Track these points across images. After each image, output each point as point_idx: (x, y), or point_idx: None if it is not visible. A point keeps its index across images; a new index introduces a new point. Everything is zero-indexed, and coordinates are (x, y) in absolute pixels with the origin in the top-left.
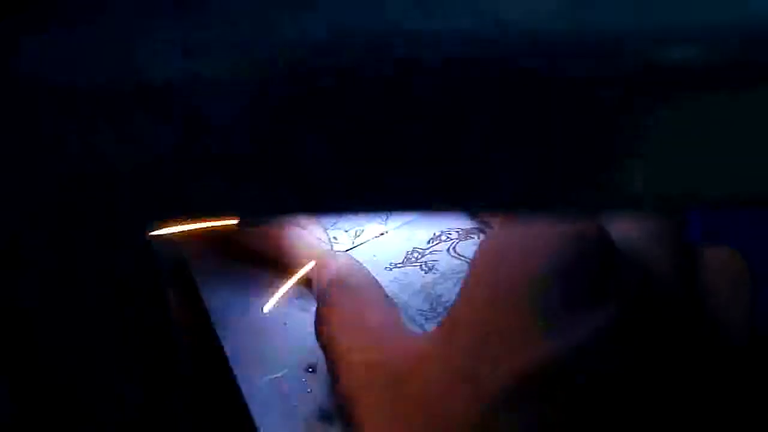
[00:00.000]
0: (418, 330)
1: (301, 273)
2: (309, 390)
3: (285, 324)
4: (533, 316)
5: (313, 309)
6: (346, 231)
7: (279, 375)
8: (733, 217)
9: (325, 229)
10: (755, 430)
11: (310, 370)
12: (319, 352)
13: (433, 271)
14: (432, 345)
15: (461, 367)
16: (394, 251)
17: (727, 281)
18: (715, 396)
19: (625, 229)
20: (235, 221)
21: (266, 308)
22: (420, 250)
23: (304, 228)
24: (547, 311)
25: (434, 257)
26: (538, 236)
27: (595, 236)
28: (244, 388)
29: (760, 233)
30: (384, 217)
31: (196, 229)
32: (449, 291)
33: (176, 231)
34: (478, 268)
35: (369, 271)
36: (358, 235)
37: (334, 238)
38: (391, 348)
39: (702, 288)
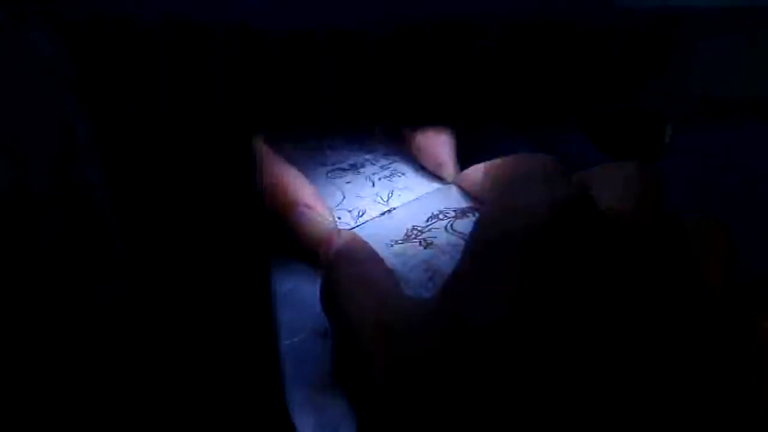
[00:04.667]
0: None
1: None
2: (322, 354)
3: (296, 294)
4: (518, 274)
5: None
6: (350, 211)
7: (295, 339)
8: (715, 187)
9: (330, 209)
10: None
11: (323, 335)
12: None
13: (431, 246)
14: (434, 303)
15: (458, 318)
16: (394, 229)
17: (708, 250)
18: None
19: (609, 198)
20: None
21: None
22: (419, 228)
23: (310, 208)
24: (530, 270)
25: (433, 234)
26: (526, 204)
27: (581, 208)
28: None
29: (742, 202)
30: (385, 198)
31: None
32: (447, 264)
33: None
34: (475, 237)
35: (370, 246)
36: (361, 215)
37: (339, 217)
38: (395, 309)
39: (683, 256)
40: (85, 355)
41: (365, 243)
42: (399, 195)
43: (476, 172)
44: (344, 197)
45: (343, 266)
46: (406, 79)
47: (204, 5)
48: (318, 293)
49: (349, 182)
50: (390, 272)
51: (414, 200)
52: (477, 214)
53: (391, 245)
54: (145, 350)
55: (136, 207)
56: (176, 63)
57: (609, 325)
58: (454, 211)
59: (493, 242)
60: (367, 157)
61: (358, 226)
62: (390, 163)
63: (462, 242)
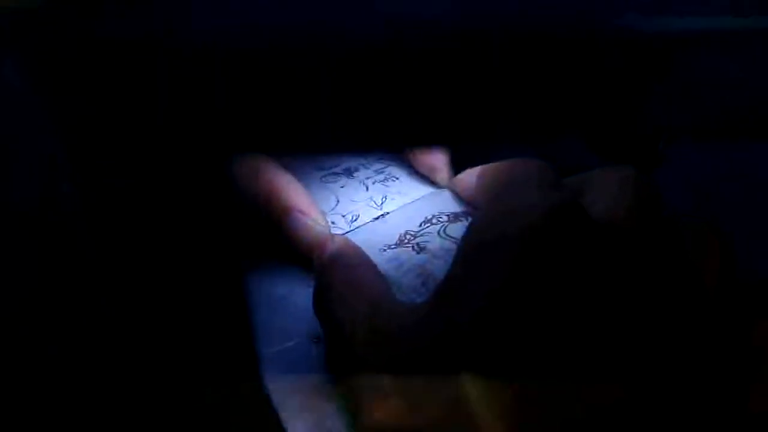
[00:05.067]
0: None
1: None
2: (316, 359)
3: (290, 299)
4: (509, 277)
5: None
6: (344, 215)
7: (289, 344)
8: (713, 191)
9: (324, 214)
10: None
11: (316, 340)
12: None
13: (424, 251)
14: (427, 306)
15: (449, 321)
16: (388, 234)
17: (703, 254)
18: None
19: (603, 203)
20: None
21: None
22: (412, 233)
23: (305, 213)
24: (520, 273)
25: (426, 239)
26: (518, 209)
27: (573, 214)
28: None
29: (740, 205)
30: (379, 202)
31: None
32: (440, 269)
33: None
34: (468, 242)
35: (363, 251)
36: (355, 220)
37: (332, 222)
38: (386, 313)
39: (680, 261)
40: (66, 361)
41: (358, 248)
42: (392, 199)
43: (469, 176)
44: (338, 202)
45: (336, 271)
46: (406, 97)
47: (177, 25)
48: (311, 298)
49: (343, 186)
50: (383, 277)
51: (407, 205)
52: (470, 219)
53: (384, 250)
54: (124, 357)
55: (111, 219)
56: (147, 83)
57: (602, 328)
58: (447, 215)
59: (485, 246)
60: (361, 161)
61: (351, 230)
62: (384, 168)
63: (455, 247)
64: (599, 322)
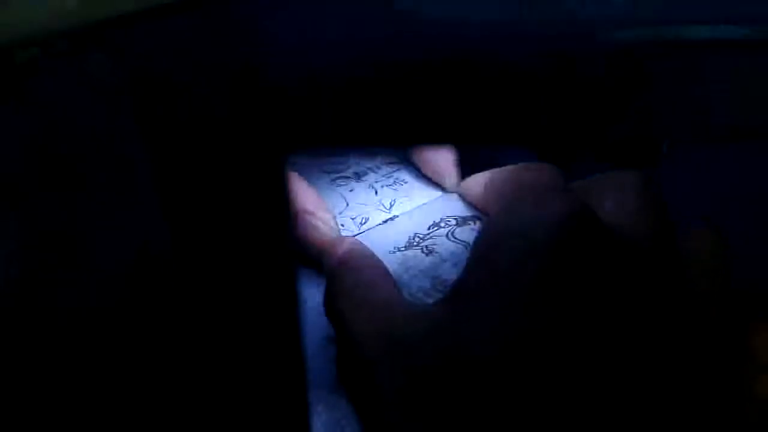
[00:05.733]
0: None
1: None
2: (328, 360)
3: (303, 301)
4: (525, 288)
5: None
6: (353, 218)
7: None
8: (714, 197)
9: (334, 217)
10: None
11: (329, 341)
12: None
13: (433, 254)
14: (440, 312)
15: (465, 330)
16: (397, 237)
17: (707, 261)
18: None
19: (608, 208)
20: None
21: None
22: (421, 236)
23: (315, 216)
24: (537, 283)
25: (434, 242)
26: (530, 217)
27: (582, 216)
28: None
29: (741, 211)
30: (388, 206)
31: None
32: (448, 271)
33: None
34: (478, 245)
35: (374, 253)
36: (364, 223)
37: (342, 224)
38: (399, 317)
39: (682, 266)
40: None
41: (368, 250)
42: (401, 203)
43: (477, 181)
44: (347, 205)
45: (346, 273)
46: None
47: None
48: (322, 300)
49: (352, 190)
50: (392, 279)
51: (416, 208)
52: (478, 223)
53: (394, 252)
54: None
55: (184, 215)
56: (225, 94)
57: (613, 335)
58: (456, 219)
59: (500, 255)
60: (370, 165)
61: (360, 233)
62: (393, 172)
63: (463, 250)
64: (618, 324)
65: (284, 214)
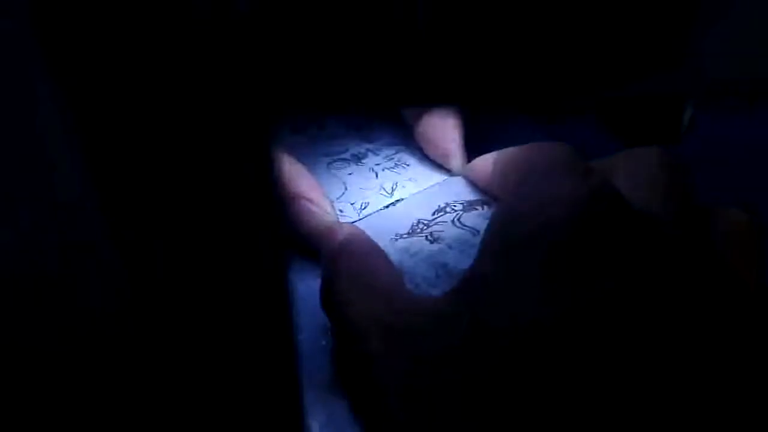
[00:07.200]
0: (423, 295)
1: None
2: (326, 353)
3: (298, 291)
4: (547, 274)
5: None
6: (352, 204)
7: (300, 338)
8: (744, 178)
9: (332, 202)
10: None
11: (327, 334)
12: None
13: (438, 241)
14: (447, 304)
15: (478, 321)
16: (399, 223)
17: (738, 243)
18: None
19: (630, 189)
20: None
21: None
22: (425, 222)
23: (311, 201)
24: (559, 269)
25: (439, 228)
26: (550, 197)
27: (606, 194)
28: None
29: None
30: (389, 190)
31: None
32: (454, 259)
33: None
34: (493, 230)
35: (373, 241)
36: (364, 208)
37: (341, 210)
38: (402, 309)
39: (713, 249)
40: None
41: (368, 237)
42: (404, 187)
43: (485, 162)
44: (346, 189)
45: (345, 262)
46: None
47: None
48: (318, 290)
49: (351, 174)
50: (394, 268)
51: (419, 192)
52: (486, 207)
53: (396, 239)
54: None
55: (131, 207)
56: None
57: (639, 324)
58: (462, 204)
59: (517, 240)
60: (369, 146)
61: (361, 219)
62: (394, 154)
63: (470, 236)
64: (639, 317)
65: (271, 193)
